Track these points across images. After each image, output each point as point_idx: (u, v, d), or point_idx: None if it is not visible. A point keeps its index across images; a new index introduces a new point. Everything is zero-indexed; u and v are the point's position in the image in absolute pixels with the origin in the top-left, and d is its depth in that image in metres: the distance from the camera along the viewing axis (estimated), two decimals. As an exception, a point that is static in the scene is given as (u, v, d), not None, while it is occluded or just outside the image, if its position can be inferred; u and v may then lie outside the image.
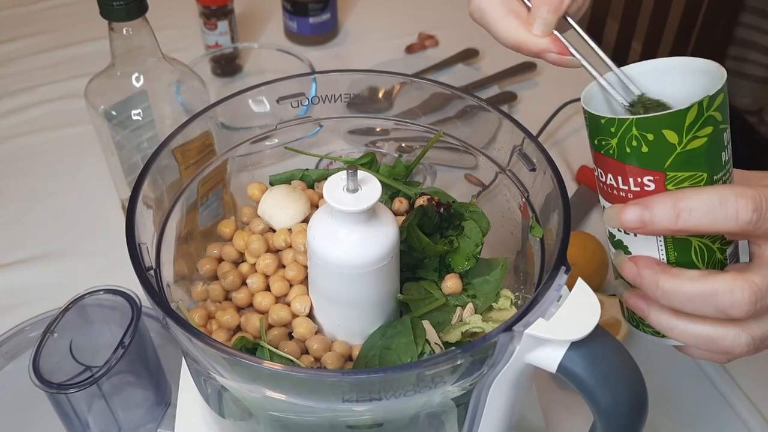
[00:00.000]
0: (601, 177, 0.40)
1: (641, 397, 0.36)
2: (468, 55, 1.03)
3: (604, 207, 0.41)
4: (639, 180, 0.38)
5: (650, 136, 0.36)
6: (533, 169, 0.45)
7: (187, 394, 0.54)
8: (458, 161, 0.60)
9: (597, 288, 0.70)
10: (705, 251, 0.39)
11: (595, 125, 0.38)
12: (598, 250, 0.70)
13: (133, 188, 0.42)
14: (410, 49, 1.05)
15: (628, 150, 0.37)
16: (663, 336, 0.42)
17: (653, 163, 0.37)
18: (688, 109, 0.35)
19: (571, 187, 0.81)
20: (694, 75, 0.39)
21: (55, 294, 0.68)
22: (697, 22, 1.45)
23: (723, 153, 0.38)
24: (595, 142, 0.39)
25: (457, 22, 1.07)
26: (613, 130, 0.37)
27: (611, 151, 0.38)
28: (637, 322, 0.44)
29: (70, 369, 0.55)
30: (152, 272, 0.39)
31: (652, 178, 0.37)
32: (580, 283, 0.37)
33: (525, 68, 1.00)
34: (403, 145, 0.72)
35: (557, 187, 0.42)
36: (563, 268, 0.37)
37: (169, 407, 0.63)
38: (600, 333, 0.36)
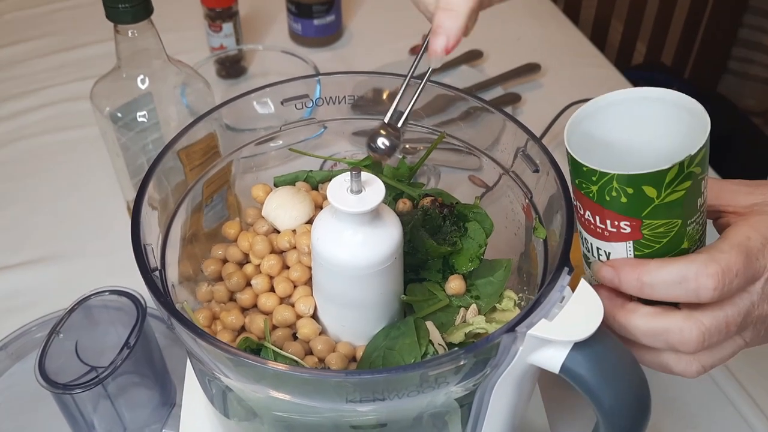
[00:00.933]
0: (580, 210, 0.41)
1: (644, 398, 0.37)
2: (472, 57, 1.03)
3: (580, 231, 0.42)
4: (616, 223, 0.39)
5: (630, 190, 0.37)
6: (536, 171, 0.46)
7: (192, 394, 0.54)
8: (462, 163, 0.60)
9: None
10: None
11: (577, 169, 0.39)
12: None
13: (139, 189, 0.42)
14: (414, 51, 1.06)
15: (607, 198, 0.38)
16: None
17: (631, 211, 0.38)
18: (669, 169, 0.36)
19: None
20: (678, 110, 0.39)
21: (61, 295, 0.69)
22: (701, 23, 1.45)
23: (699, 199, 0.39)
24: (576, 182, 0.40)
25: (461, 23, 1.07)
26: (594, 178, 0.38)
27: (591, 195, 0.39)
28: None
29: (75, 369, 0.55)
30: (157, 273, 0.40)
31: (629, 223, 0.39)
32: (583, 284, 0.37)
33: (529, 69, 1.00)
34: (407, 146, 0.72)
35: (560, 189, 0.42)
36: (566, 269, 0.37)
37: (174, 408, 0.63)
38: (603, 334, 0.36)
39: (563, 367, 0.36)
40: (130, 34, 0.58)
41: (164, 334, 0.68)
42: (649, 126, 0.40)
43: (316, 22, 1.05)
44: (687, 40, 1.49)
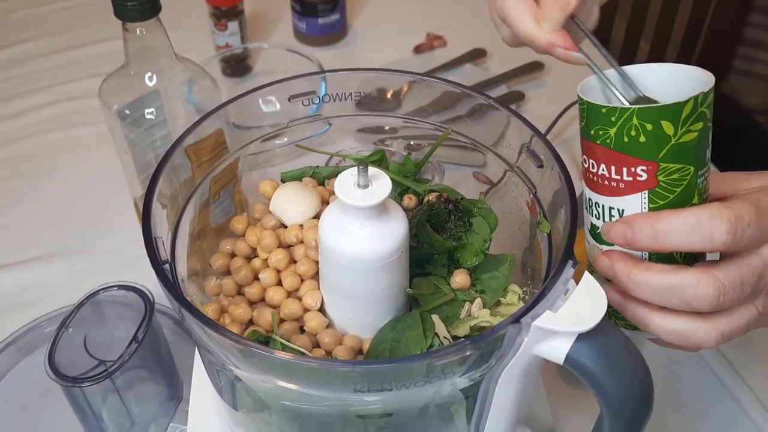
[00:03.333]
0: (592, 168, 0.42)
1: (647, 388, 0.37)
2: (476, 55, 1.04)
3: (588, 198, 0.43)
4: (633, 170, 0.40)
5: (649, 126, 0.38)
6: (541, 166, 0.46)
7: (200, 388, 0.55)
8: (466, 159, 0.60)
9: (604, 285, 0.70)
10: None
11: (594, 115, 0.40)
12: (605, 248, 0.71)
13: (149, 183, 0.43)
14: (418, 50, 1.06)
15: (626, 139, 0.39)
16: (635, 329, 0.44)
17: (649, 153, 0.39)
18: (686, 102, 0.38)
19: (578, 186, 0.81)
20: (688, 80, 0.41)
21: (68, 291, 0.69)
22: (705, 21, 1.45)
23: (707, 150, 0.41)
24: (592, 132, 0.40)
25: (465, 22, 1.08)
26: (613, 119, 0.39)
27: (608, 141, 0.40)
28: (610, 314, 0.45)
29: (84, 363, 0.56)
30: (167, 266, 0.40)
31: (645, 168, 0.39)
32: (587, 277, 0.37)
33: (533, 68, 1.01)
34: (412, 143, 0.73)
35: (564, 184, 0.42)
36: (570, 261, 0.38)
37: (182, 402, 0.64)
38: (606, 325, 0.36)
39: (567, 358, 0.36)
40: (138, 32, 0.58)
41: (171, 330, 0.68)
42: (654, 96, 0.42)
43: (320, 20, 1.05)
44: (691, 38, 1.49)
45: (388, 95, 0.76)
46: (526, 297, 0.47)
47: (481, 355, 0.37)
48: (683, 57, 1.52)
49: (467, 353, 0.35)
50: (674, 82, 0.41)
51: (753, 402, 0.63)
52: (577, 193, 0.43)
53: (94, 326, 0.58)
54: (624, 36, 1.56)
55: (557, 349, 0.37)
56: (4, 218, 0.82)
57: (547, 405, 0.55)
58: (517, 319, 0.36)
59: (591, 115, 0.40)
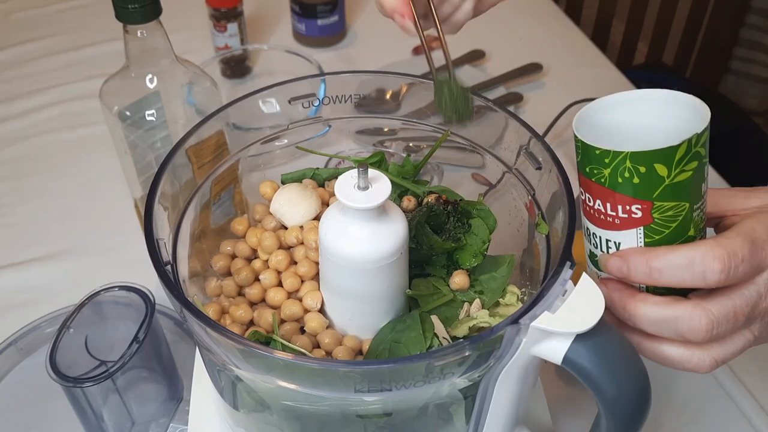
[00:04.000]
0: (589, 201, 0.42)
1: (644, 388, 0.37)
2: (474, 57, 1.04)
3: (586, 228, 0.43)
4: (627, 208, 0.40)
5: (642, 169, 0.38)
6: (539, 168, 0.46)
7: (200, 388, 0.55)
8: (465, 161, 0.61)
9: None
10: None
11: (589, 154, 0.40)
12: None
13: (152, 184, 0.43)
14: (417, 51, 1.06)
15: (619, 180, 0.39)
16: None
17: (643, 193, 0.39)
18: (679, 146, 0.37)
19: (575, 189, 0.82)
20: (678, 108, 0.41)
21: (69, 292, 0.70)
22: (702, 23, 1.45)
23: (703, 184, 0.40)
24: (587, 169, 0.41)
25: (463, 23, 1.08)
26: (606, 161, 0.39)
27: (602, 180, 0.40)
28: None
29: (85, 364, 0.56)
30: (169, 267, 0.40)
31: (640, 206, 0.40)
32: (585, 278, 0.38)
33: (531, 69, 1.01)
34: (411, 144, 0.73)
35: (563, 185, 0.43)
36: (568, 263, 0.38)
37: (182, 402, 0.64)
38: (604, 326, 0.37)
39: (565, 359, 0.37)
40: (139, 34, 0.58)
41: (171, 330, 0.69)
42: (651, 124, 0.42)
43: (319, 22, 1.05)
44: (688, 40, 1.49)
45: (387, 97, 0.76)
46: (525, 298, 0.47)
47: (480, 356, 0.37)
48: (681, 59, 1.53)
49: (466, 353, 0.36)
50: (669, 110, 0.41)
51: (749, 401, 0.63)
52: (575, 195, 0.43)
53: (95, 327, 0.59)
54: (622, 38, 1.56)
55: (555, 350, 0.37)
56: (5, 218, 0.83)
57: (546, 405, 0.55)
58: (515, 319, 0.36)
59: (585, 154, 0.40)
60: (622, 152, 0.38)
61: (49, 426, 0.63)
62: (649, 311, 0.39)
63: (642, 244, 0.41)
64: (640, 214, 0.40)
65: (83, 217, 0.83)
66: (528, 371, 0.40)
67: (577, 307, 0.37)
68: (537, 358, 0.38)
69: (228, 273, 0.49)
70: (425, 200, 0.50)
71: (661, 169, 0.38)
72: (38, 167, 0.90)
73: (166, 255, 0.41)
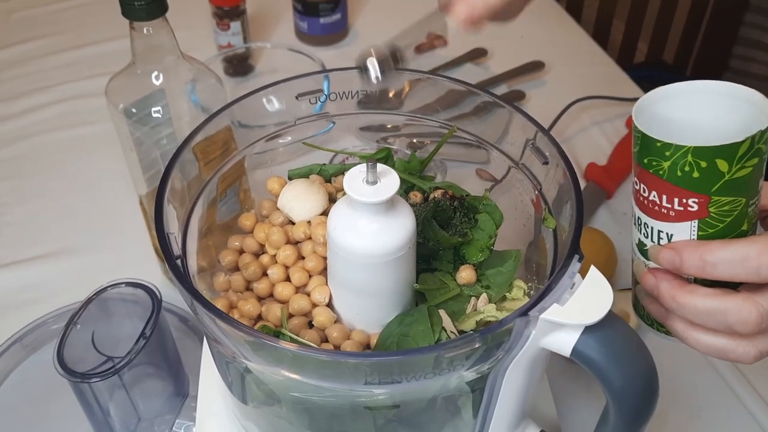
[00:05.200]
0: (644, 192, 0.42)
1: (652, 380, 0.38)
2: (476, 55, 1.04)
3: (638, 218, 0.43)
4: (684, 201, 0.40)
5: (703, 164, 0.38)
6: (546, 163, 0.47)
7: (208, 383, 0.55)
8: (469, 156, 0.61)
9: (606, 282, 0.71)
10: None
11: (648, 145, 0.40)
12: (606, 246, 0.72)
13: (161, 179, 0.43)
14: (419, 49, 1.07)
15: (679, 173, 0.39)
16: (672, 337, 0.45)
17: (701, 187, 0.39)
18: (743, 142, 0.38)
19: (581, 182, 0.82)
20: (738, 102, 0.41)
21: (74, 289, 0.70)
22: (702, 22, 1.46)
23: (761, 180, 0.41)
24: (645, 161, 0.40)
25: (465, 22, 1.08)
26: (668, 153, 0.39)
27: (661, 172, 0.40)
28: (652, 321, 0.46)
29: (92, 359, 0.57)
30: (179, 261, 0.41)
31: (697, 200, 0.40)
32: (593, 271, 0.38)
33: (533, 67, 1.02)
34: (414, 141, 0.73)
35: (570, 179, 0.43)
36: (577, 256, 0.38)
37: (188, 398, 0.64)
38: (612, 318, 0.37)
39: (574, 351, 0.37)
40: (145, 31, 0.58)
41: (176, 327, 0.69)
42: (707, 116, 0.42)
43: (322, 20, 1.06)
44: (688, 38, 1.50)
45: (390, 94, 0.76)
46: (531, 292, 0.48)
47: (489, 348, 0.37)
48: (681, 57, 1.53)
49: (476, 345, 0.36)
50: (728, 104, 0.41)
51: (752, 396, 0.64)
52: (581, 189, 0.43)
53: (102, 323, 0.59)
54: (622, 37, 1.57)
55: (564, 342, 0.37)
56: (11, 216, 0.83)
57: (552, 399, 0.56)
58: (524, 312, 0.36)
59: (645, 145, 0.40)
60: (685, 146, 0.38)
61: (54, 422, 0.64)
62: (698, 302, 0.40)
63: (695, 236, 0.41)
64: (696, 207, 0.40)
65: (85, 215, 0.83)
66: (536, 364, 0.40)
67: (585, 299, 0.37)
68: (545, 351, 0.39)
69: (236, 268, 0.49)
70: (432, 195, 0.51)
71: (722, 165, 0.38)
72: (40, 166, 0.90)
73: (176, 249, 0.41)
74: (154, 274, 0.74)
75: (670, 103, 0.42)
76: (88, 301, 0.57)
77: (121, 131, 0.65)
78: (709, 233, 0.41)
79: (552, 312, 0.36)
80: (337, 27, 1.07)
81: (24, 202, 0.85)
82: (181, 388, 0.64)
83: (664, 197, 0.41)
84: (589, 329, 0.37)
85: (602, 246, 0.71)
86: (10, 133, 0.94)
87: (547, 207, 0.47)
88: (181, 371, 0.64)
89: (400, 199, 0.43)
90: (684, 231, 0.41)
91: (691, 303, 0.40)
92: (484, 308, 0.46)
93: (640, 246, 0.44)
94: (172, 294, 0.68)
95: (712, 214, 0.40)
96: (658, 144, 0.39)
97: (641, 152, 0.41)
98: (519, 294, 0.47)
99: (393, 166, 0.53)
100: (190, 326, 0.69)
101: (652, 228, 0.43)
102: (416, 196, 0.51)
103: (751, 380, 0.65)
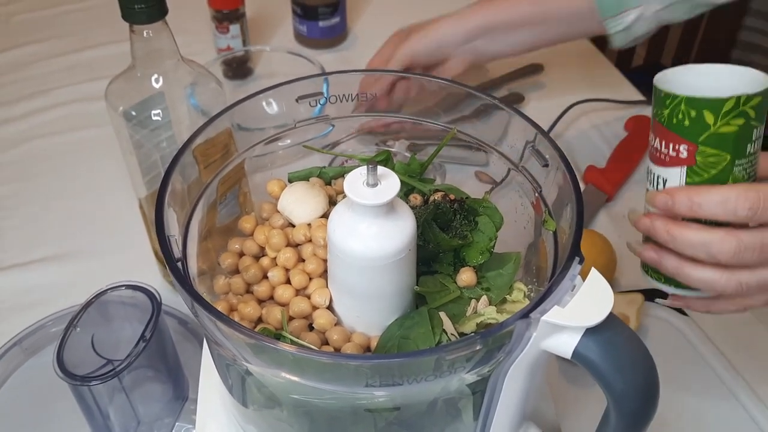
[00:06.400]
0: (652, 141, 0.50)
1: (653, 382, 0.38)
2: (475, 58, 1.04)
3: (648, 168, 0.52)
4: (677, 147, 0.48)
5: (693, 113, 0.46)
6: (546, 165, 0.47)
7: (208, 386, 0.55)
8: (468, 159, 0.61)
9: (605, 284, 0.71)
10: None
11: (657, 97, 0.48)
12: (606, 248, 0.72)
13: (162, 182, 0.43)
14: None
15: (674, 121, 0.47)
16: (667, 282, 0.53)
17: (690, 135, 0.47)
18: (727, 99, 0.45)
19: (582, 185, 0.83)
20: (741, 77, 0.48)
21: (73, 292, 0.70)
22: (701, 25, 1.46)
23: (749, 145, 0.47)
24: (655, 111, 0.49)
25: (464, 25, 1.09)
26: (667, 102, 0.47)
27: (662, 119, 0.48)
28: (649, 271, 0.54)
29: (92, 362, 0.56)
30: (180, 264, 0.41)
31: (686, 147, 0.48)
32: (594, 273, 0.38)
33: (532, 70, 1.02)
34: (414, 143, 0.73)
35: (570, 181, 0.43)
36: (577, 258, 0.38)
37: (187, 401, 0.64)
38: (613, 320, 0.37)
39: (575, 353, 0.37)
40: (145, 34, 0.59)
41: (176, 330, 0.69)
42: (719, 89, 0.47)
43: (321, 23, 1.06)
44: (686, 42, 1.50)
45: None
46: (531, 295, 0.48)
47: (490, 351, 0.37)
48: (679, 61, 1.53)
49: (477, 347, 0.36)
50: (735, 80, 0.48)
51: (751, 398, 0.64)
52: (582, 191, 0.43)
53: (102, 326, 0.59)
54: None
55: (565, 344, 0.37)
56: (11, 219, 0.83)
57: (552, 402, 0.56)
58: (525, 314, 0.36)
59: (655, 96, 0.49)
60: (679, 96, 0.46)
61: (53, 426, 0.63)
62: (688, 233, 0.47)
63: (683, 183, 0.48)
64: (685, 154, 0.47)
65: (88, 217, 0.83)
66: (537, 366, 0.40)
67: (586, 301, 0.37)
68: (546, 353, 0.39)
69: (236, 271, 0.49)
70: (432, 198, 0.51)
71: (709, 117, 0.46)
72: (43, 168, 0.90)
73: (177, 251, 0.41)
74: (154, 277, 0.74)
75: (688, 78, 0.49)
76: (88, 304, 0.57)
77: (121, 134, 0.65)
78: (696, 181, 0.48)
79: (553, 314, 0.36)
80: (336, 30, 1.08)
81: (23, 206, 0.85)
82: (180, 392, 0.64)
83: (663, 143, 0.48)
84: (589, 331, 0.37)
85: (603, 248, 0.71)
86: (11, 136, 0.94)
87: (547, 209, 0.47)
88: (181, 374, 0.64)
89: (400, 202, 0.43)
90: (675, 176, 0.49)
91: (684, 235, 0.47)
92: (485, 310, 0.46)
93: (648, 193, 0.52)
94: (171, 297, 0.68)
95: (698, 162, 0.47)
96: (662, 94, 0.48)
97: (654, 105, 0.49)
98: (519, 296, 0.47)
99: (393, 169, 0.53)
100: (190, 329, 0.69)
101: (653, 174, 0.51)
102: (416, 199, 0.51)
103: (751, 383, 0.65)
